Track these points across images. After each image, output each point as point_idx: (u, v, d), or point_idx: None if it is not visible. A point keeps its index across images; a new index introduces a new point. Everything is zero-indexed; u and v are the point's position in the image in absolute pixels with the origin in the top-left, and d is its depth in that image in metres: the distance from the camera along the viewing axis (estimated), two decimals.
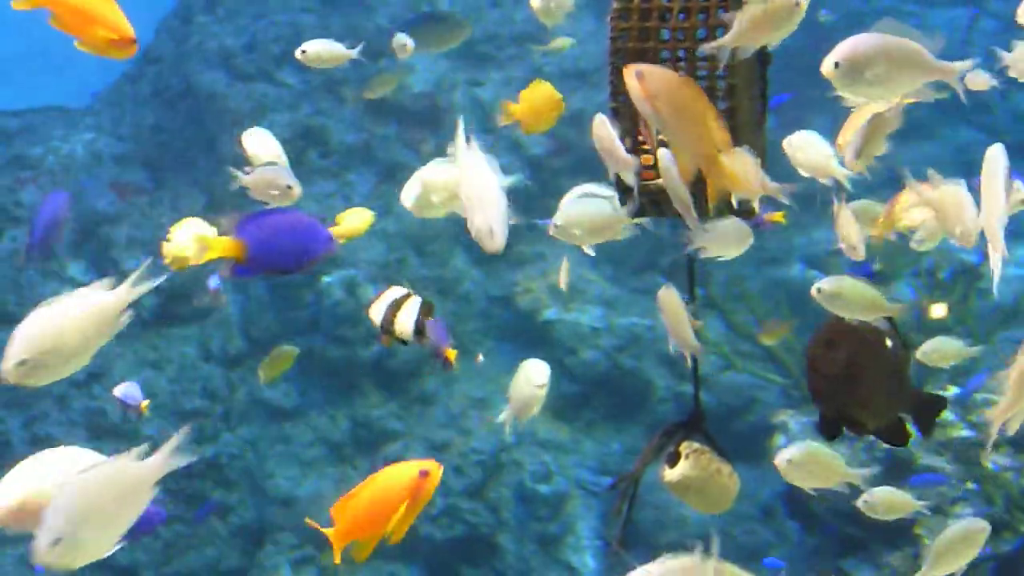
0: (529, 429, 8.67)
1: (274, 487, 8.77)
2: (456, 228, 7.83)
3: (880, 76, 2.25)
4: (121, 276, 2.26)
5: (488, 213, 2.35)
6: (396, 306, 3.40)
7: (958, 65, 2.33)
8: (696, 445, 2.49)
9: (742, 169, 2.28)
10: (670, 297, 2.80)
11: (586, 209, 2.88)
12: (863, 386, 2.44)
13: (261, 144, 4.09)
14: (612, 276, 9.61)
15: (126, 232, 9.44)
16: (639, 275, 9.60)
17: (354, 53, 5.06)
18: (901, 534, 6.76)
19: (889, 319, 2.59)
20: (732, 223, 2.64)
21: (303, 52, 4.84)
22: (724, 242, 2.65)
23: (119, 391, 6.31)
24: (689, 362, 2.86)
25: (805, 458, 2.92)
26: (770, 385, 8.26)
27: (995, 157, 2.72)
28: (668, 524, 8.09)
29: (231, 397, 9.01)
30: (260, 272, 3.11)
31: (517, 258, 9.16)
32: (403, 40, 6.27)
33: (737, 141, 2.30)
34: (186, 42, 10.70)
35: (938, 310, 7.70)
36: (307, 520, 2.68)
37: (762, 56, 2.49)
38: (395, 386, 8.79)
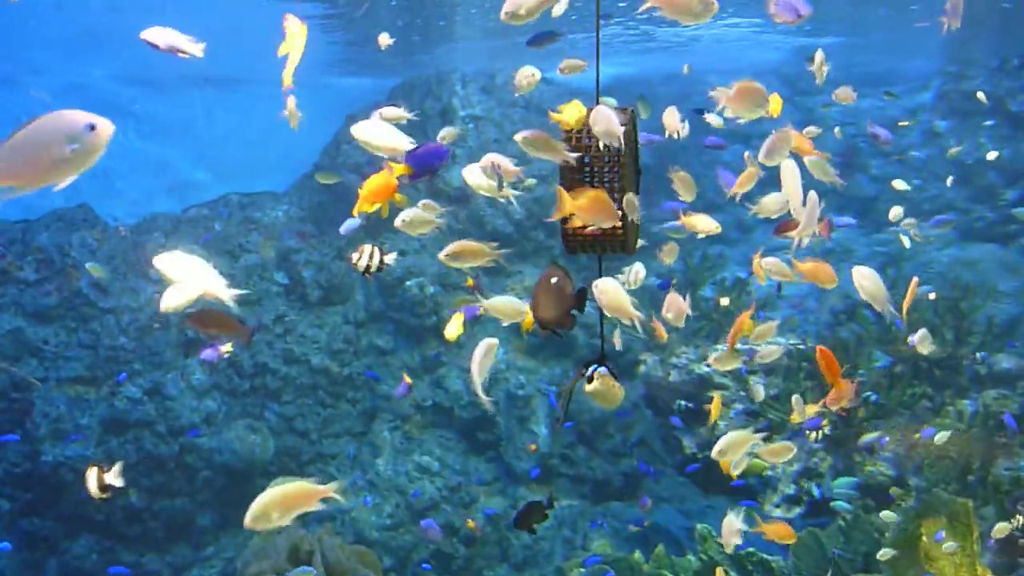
0: (513, 362, 8.65)
1: (380, 388, 8.74)
2: None
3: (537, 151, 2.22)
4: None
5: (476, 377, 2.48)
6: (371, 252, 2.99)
7: (574, 155, 2.21)
8: (601, 371, 2.46)
9: (631, 204, 2.25)
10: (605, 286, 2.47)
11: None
12: (547, 306, 2.36)
13: None
14: None
15: (303, 257, 9.41)
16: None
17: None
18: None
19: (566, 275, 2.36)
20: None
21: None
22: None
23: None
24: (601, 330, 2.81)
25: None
26: (638, 339, 8.26)
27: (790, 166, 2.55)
28: (585, 411, 8.11)
29: (358, 343, 8.95)
30: (420, 177, 2.97)
31: (508, 274, 9.18)
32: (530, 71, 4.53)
33: (624, 194, 2.27)
34: (336, 158, 10.66)
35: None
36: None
37: (637, 166, 2.45)
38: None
